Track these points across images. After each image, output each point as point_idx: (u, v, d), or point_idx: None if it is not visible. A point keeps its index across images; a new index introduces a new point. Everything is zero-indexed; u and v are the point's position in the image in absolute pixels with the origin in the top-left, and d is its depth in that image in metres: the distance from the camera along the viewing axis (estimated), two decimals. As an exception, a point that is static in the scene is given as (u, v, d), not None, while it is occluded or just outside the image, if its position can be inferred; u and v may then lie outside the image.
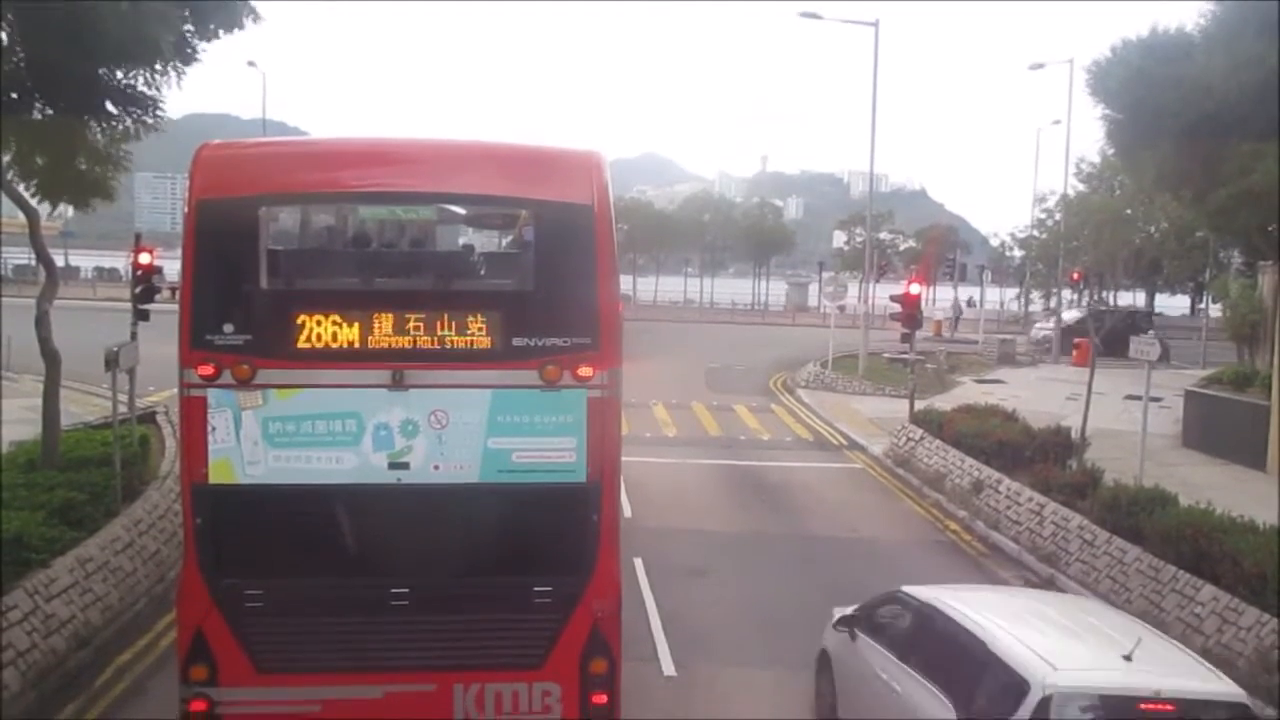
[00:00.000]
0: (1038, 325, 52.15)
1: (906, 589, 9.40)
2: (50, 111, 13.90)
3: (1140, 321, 45.79)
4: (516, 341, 7.47)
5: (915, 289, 24.45)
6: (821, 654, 10.40)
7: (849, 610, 9.86)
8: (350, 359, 7.36)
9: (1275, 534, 12.99)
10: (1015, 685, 7.09)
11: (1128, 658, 7.28)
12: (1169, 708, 6.93)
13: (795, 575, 14.97)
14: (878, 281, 54.08)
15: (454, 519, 7.62)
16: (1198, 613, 12.69)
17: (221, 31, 14.10)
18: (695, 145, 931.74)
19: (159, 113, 14.35)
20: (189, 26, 13.59)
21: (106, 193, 15.41)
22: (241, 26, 14.20)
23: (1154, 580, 13.65)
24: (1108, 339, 35.00)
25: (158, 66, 13.68)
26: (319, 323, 7.33)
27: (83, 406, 20.94)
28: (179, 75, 14.00)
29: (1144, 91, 20.95)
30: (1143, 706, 6.91)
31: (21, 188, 15.13)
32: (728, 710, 10.77)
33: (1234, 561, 12.58)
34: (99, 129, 14.51)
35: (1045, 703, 6.84)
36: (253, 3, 14.24)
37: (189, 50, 13.94)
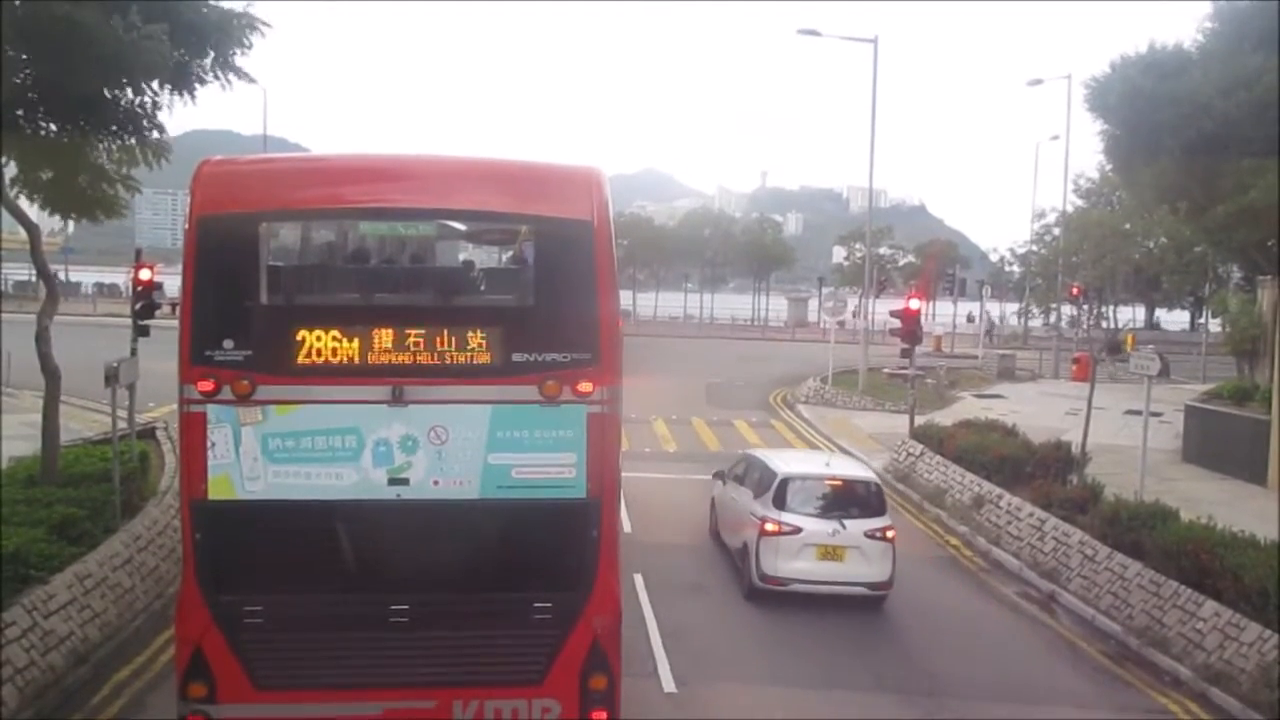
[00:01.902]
0: None
1: (747, 451, 18.29)
2: (55, 127, 13.95)
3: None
4: (516, 357, 7.46)
5: (915, 304, 24.47)
6: (711, 499, 17.80)
7: (722, 468, 17.69)
8: (350, 375, 7.35)
9: (1276, 549, 12.97)
10: (772, 476, 14.74)
11: (826, 464, 15.97)
12: (838, 482, 14.89)
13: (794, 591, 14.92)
14: (877, 297, 54.16)
15: (454, 535, 7.59)
16: (1199, 628, 12.66)
17: (219, 73, 14.14)
18: (695, 161, 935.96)
19: (161, 133, 14.40)
20: (182, 51, 13.59)
21: (112, 209, 15.36)
22: (236, 75, 14.24)
23: (1155, 595, 13.62)
24: None
25: (157, 88, 13.74)
26: (319, 338, 7.32)
27: (82, 422, 20.92)
28: (181, 96, 14.05)
29: (1142, 108, 21.05)
30: (826, 481, 14.84)
31: (26, 203, 15.15)
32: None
33: (1235, 577, 12.56)
34: (104, 146, 14.56)
35: (783, 482, 14.49)
36: (250, 12, 14.26)
37: (189, 81, 13.96)
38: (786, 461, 15.62)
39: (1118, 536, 14.99)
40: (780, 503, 14.28)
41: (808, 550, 14.01)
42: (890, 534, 14.26)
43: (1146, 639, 13.32)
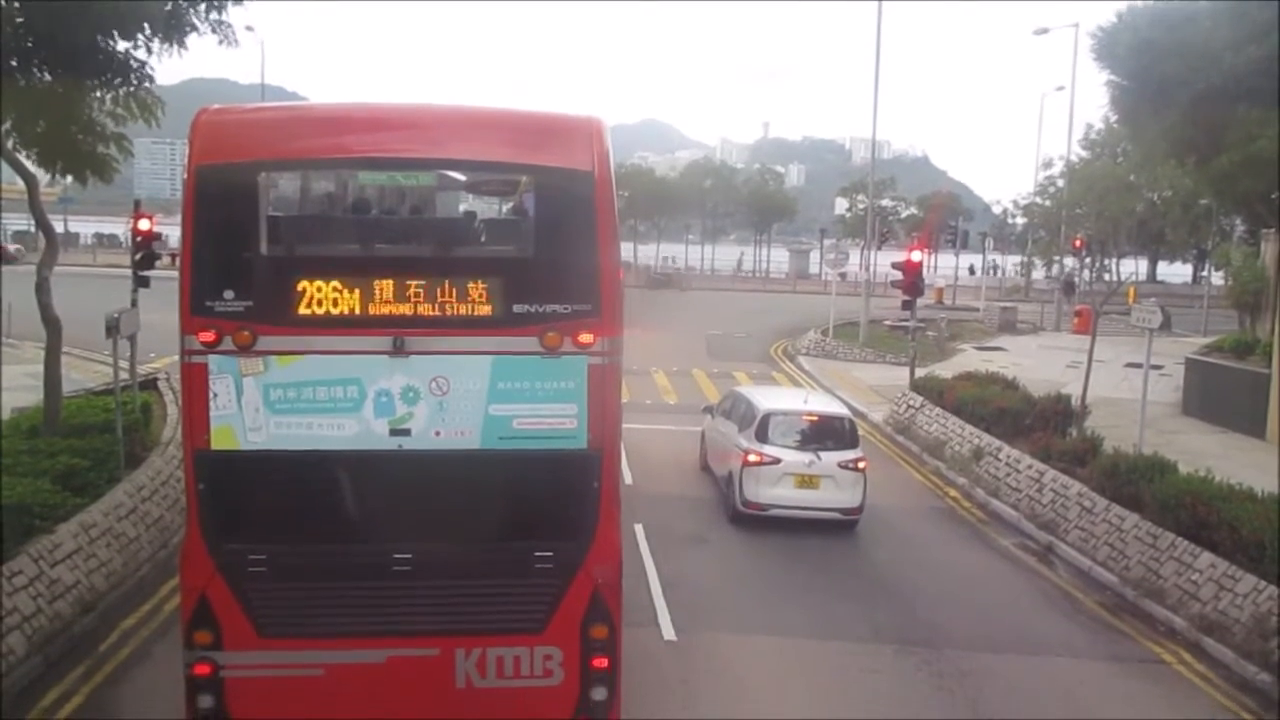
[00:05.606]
0: None
1: (734, 388, 19.20)
2: (49, 76, 13.81)
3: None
4: (517, 308, 7.43)
5: (917, 256, 24.38)
6: (701, 432, 19.03)
7: (711, 404, 19.43)
8: (351, 325, 7.33)
9: (1274, 502, 13.04)
10: (755, 412, 15.98)
11: (805, 401, 17.09)
12: (815, 417, 16.05)
13: (794, 542, 15.05)
14: (879, 249, 53.89)
15: (455, 485, 7.62)
16: (1195, 579, 12.77)
17: (214, 25, 14.00)
18: (697, 112, 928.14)
19: (151, 83, 14.29)
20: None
21: (103, 170, 15.21)
22: (224, 31, 14.13)
23: (1152, 547, 13.72)
24: None
25: (149, 34, 13.58)
26: (320, 289, 7.28)
27: (84, 373, 20.99)
28: (172, 46, 13.91)
29: (1150, 60, 20.77)
30: (804, 417, 16.03)
31: (22, 155, 15.04)
32: (728, 675, 10.87)
33: (1232, 529, 12.64)
34: (96, 95, 14.41)
35: (765, 418, 15.75)
36: None
37: (182, 31, 13.81)
38: (768, 398, 17.09)
39: (1116, 489, 15.07)
40: (762, 436, 15.60)
41: (786, 479, 15.36)
42: (862, 464, 15.59)
43: (1143, 590, 13.44)
